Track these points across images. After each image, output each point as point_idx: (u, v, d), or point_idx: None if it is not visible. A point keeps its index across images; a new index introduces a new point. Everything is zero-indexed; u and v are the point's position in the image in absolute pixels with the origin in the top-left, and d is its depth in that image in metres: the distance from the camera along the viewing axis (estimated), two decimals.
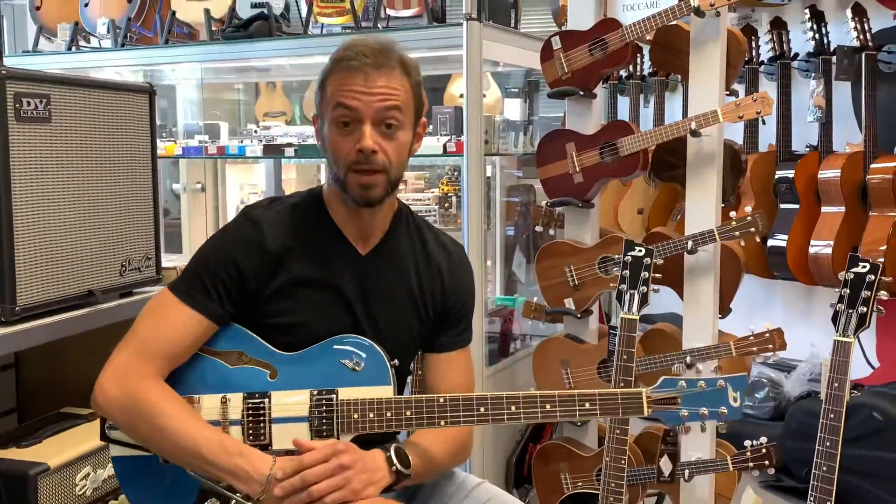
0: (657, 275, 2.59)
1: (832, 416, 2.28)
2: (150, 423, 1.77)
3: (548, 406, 1.80)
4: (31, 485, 2.01)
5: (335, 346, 1.88)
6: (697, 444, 2.85)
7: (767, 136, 4.49)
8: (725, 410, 1.80)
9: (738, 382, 1.81)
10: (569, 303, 3.06)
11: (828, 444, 2.27)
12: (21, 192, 2.02)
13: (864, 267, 2.29)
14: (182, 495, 1.82)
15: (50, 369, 2.61)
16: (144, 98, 2.42)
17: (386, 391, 1.85)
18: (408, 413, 1.81)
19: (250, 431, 1.83)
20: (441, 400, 1.81)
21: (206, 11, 4.00)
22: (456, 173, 4.46)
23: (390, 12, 3.71)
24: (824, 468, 2.27)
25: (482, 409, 1.80)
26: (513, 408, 1.80)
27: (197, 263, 1.90)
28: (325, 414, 1.83)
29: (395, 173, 1.89)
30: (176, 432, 1.76)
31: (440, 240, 2.09)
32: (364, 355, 1.87)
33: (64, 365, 2.57)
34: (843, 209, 4.06)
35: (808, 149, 4.32)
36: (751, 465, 2.73)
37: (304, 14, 3.89)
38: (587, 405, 1.80)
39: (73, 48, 4.39)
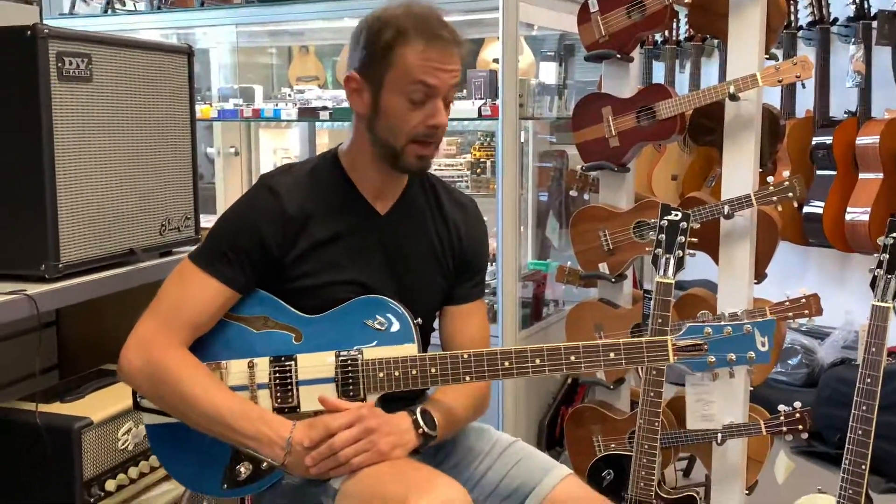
0: (693, 239, 2.58)
1: (869, 380, 2.27)
2: (174, 392, 1.79)
3: (572, 357, 1.79)
4: (75, 438, 2.05)
5: (358, 307, 1.89)
6: (730, 408, 2.86)
7: (805, 102, 4.45)
8: (753, 355, 1.77)
9: (765, 327, 1.78)
10: (603, 267, 3.05)
11: (864, 408, 2.27)
12: (64, 151, 2.04)
13: None
14: (215, 460, 1.84)
15: (90, 327, 2.65)
16: (183, 59, 2.43)
17: (410, 349, 1.86)
18: (433, 370, 1.82)
19: (278, 394, 1.85)
20: (465, 356, 1.82)
21: None
22: (488, 139, 4.45)
23: None
24: (860, 432, 2.27)
25: (506, 363, 1.80)
26: (537, 360, 1.80)
27: (217, 233, 1.91)
28: (350, 374, 1.84)
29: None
30: (199, 400, 1.78)
31: (454, 196, 2.10)
32: (387, 314, 1.89)
33: (103, 322, 2.59)
34: (881, 176, 4.02)
35: (846, 115, 4.27)
36: (784, 429, 2.73)
37: None
38: (612, 355, 1.79)
39: (109, 11, 4.41)
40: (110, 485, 2.14)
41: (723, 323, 1.80)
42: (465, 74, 3.94)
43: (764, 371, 3.00)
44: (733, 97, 2.72)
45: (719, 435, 2.79)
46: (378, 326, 1.87)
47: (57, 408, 2.16)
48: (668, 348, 1.79)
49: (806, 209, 4.30)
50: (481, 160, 4.37)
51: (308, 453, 1.74)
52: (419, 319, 1.91)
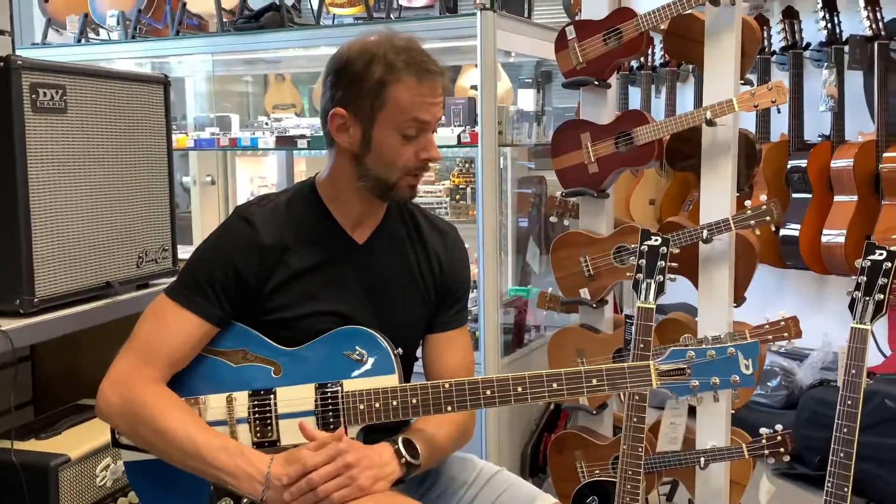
0: (673, 264, 2.59)
1: (849, 402, 2.27)
2: (152, 429, 1.77)
3: (554, 385, 1.77)
4: (52, 476, 2.02)
5: (338, 339, 1.87)
6: (713, 432, 2.85)
7: (779, 126, 4.48)
8: (738, 378, 1.75)
9: (749, 349, 1.76)
10: (584, 293, 3.05)
11: (845, 430, 2.27)
12: (38, 184, 2.01)
13: (881, 254, 2.29)
14: (195, 497, 1.81)
15: (65, 361, 2.62)
16: (159, 89, 2.41)
17: (391, 380, 1.84)
18: (414, 401, 1.80)
19: (257, 429, 1.83)
20: (447, 385, 1.80)
21: (218, 2, 4.00)
22: (467, 165, 4.45)
23: (402, 2, 3.72)
24: (842, 454, 2.26)
25: (488, 392, 1.78)
26: (519, 388, 1.78)
27: (193, 267, 1.88)
28: (331, 406, 1.82)
29: None
30: (176, 436, 1.75)
31: (433, 222, 2.09)
32: (367, 346, 1.86)
33: (79, 357, 2.56)
34: (855, 198, 4.05)
35: (820, 138, 4.30)
36: (766, 452, 2.73)
37: (314, 4, 3.88)
38: (594, 381, 1.77)
39: (83, 40, 4.39)
40: None
41: (706, 346, 1.78)
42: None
43: (746, 394, 3.00)
44: (710, 122, 2.74)
45: (702, 459, 2.78)
46: (357, 357, 1.85)
47: (33, 445, 2.12)
48: (650, 373, 1.77)
49: (782, 232, 4.32)
50: (460, 186, 4.37)
51: (287, 489, 1.72)
52: (400, 349, 1.89)
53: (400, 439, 1.82)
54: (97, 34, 4.50)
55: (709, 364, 1.76)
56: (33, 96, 1.98)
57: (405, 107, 1.81)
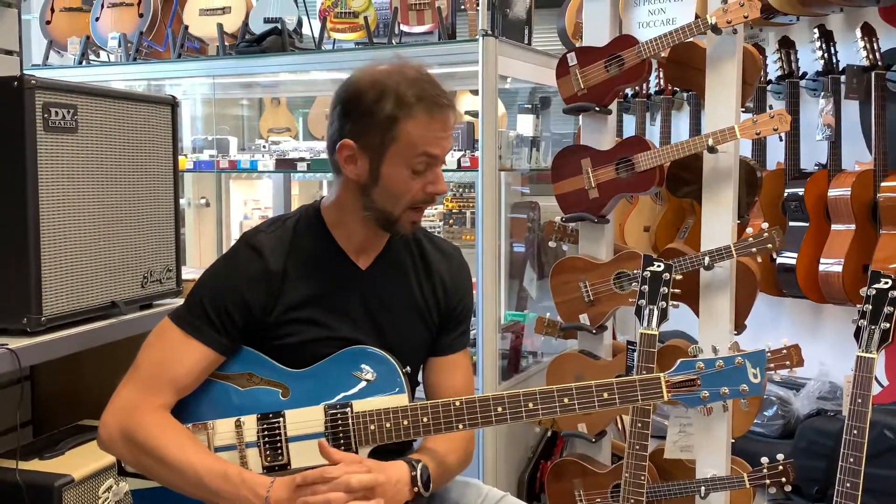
0: (676, 290, 2.59)
1: (856, 432, 2.27)
2: (153, 458, 1.75)
3: (565, 399, 1.78)
4: (56, 497, 2.00)
5: (346, 358, 1.87)
6: (713, 461, 2.84)
7: (775, 155, 4.50)
8: (747, 388, 1.76)
9: (756, 358, 1.78)
10: (584, 318, 3.05)
11: (851, 460, 2.27)
12: (48, 203, 2.02)
13: (887, 283, 2.30)
14: None
15: (65, 382, 2.60)
16: (167, 110, 2.42)
17: (401, 399, 1.83)
18: (425, 419, 1.80)
19: (268, 453, 1.81)
20: (457, 403, 1.80)
21: (220, 26, 4.01)
22: (461, 190, 4.46)
23: (404, 28, 3.72)
24: (848, 484, 2.26)
25: (499, 409, 1.79)
26: (530, 404, 1.78)
27: (200, 295, 1.87)
28: (341, 428, 1.81)
29: None
30: (178, 464, 1.74)
31: (438, 246, 2.08)
32: (376, 365, 1.86)
33: (79, 378, 2.55)
34: (853, 227, 4.06)
35: (816, 167, 4.32)
36: (768, 481, 2.72)
37: (315, 29, 3.90)
38: (605, 395, 1.78)
39: (84, 62, 4.39)
40: None
41: (714, 357, 1.79)
42: None
43: (745, 423, 3.00)
44: (712, 149, 2.75)
45: (703, 488, 2.78)
46: (368, 377, 1.85)
47: (36, 465, 2.11)
48: (661, 385, 1.78)
49: (779, 260, 4.33)
50: (454, 211, 4.37)
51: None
52: (408, 368, 1.89)
53: (419, 466, 1.81)
54: (98, 56, 4.50)
55: (718, 374, 1.78)
56: (45, 115, 1.99)
57: (416, 142, 1.80)
